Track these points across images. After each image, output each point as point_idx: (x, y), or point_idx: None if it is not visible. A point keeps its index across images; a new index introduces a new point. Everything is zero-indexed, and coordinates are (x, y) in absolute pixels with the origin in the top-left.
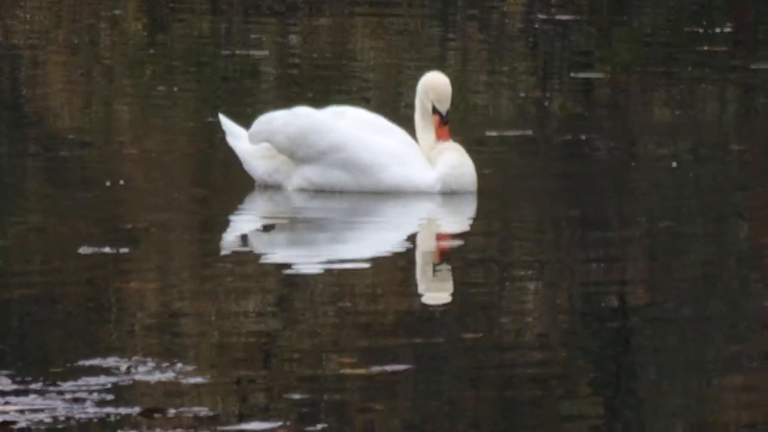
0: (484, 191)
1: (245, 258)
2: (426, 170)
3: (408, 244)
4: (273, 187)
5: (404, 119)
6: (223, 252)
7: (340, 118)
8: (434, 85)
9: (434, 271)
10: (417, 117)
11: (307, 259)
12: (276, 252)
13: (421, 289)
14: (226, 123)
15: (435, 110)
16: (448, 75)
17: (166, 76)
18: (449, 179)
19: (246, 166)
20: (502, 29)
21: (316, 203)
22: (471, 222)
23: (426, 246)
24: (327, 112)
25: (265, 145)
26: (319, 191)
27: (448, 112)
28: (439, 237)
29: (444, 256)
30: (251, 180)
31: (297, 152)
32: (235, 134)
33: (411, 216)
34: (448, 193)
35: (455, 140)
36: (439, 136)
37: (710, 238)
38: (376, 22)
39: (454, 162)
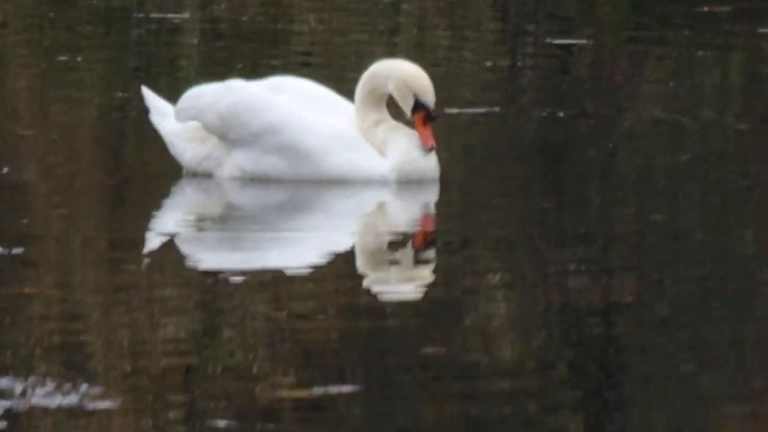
0: (445, 180)
1: (164, 261)
2: (376, 156)
3: (357, 245)
4: (203, 175)
5: (351, 93)
6: (138, 254)
7: (278, 92)
8: (415, 76)
9: (388, 276)
10: (359, 104)
11: (238, 262)
12: (202, 254)
13: (374, 289)
14: (151, 98)
15: (417, 106)
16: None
17: (69, 43)
18: (406, 167)
19: (172, 150)
20: None
21: (250, 195)
22: (430, 217)
23: (378, 247)
24: (264, 85)
25: (194, 124)
26: (255, 180)
27: (435, 108)
28: (393, 235)
29: (399, 258)
30: (177, 167)
31: (228, 134)
32: (161, 111)
33: (360, 211)
34: (405, 183)
35: (403, 120)
36: (426, 141)
37: (709, 235)
38: None
39: (409, 146)
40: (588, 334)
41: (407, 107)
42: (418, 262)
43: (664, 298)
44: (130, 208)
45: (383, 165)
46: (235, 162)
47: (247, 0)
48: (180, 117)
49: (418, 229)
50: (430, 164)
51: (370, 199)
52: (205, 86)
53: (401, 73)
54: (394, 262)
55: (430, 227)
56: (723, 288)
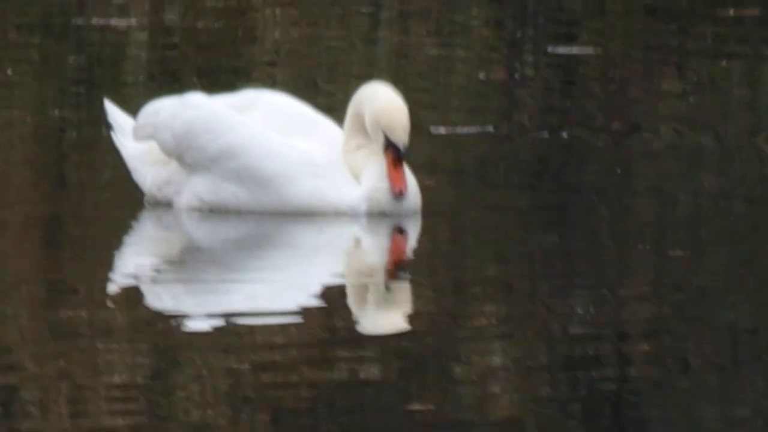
0: (428, 212)
1: (107, 307)
2: (349, 184)
3: (327, 288)
4: (165, 204)
5: (324, 108)
6: (78, 299)
7: (250, 108)
8: (385, 111)
9: (364, 322)
10: (346, 127)
11: (193, 308)
12: (151, 300)
13: (349, 338)
14: (114, 113)
15: (388, 144)
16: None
17: None
18: (378, 196)
19: (134, 174)
20: None
21: (207, 229)
22: (410, 256)
23: (352, 290)
24: (234, 100)
25: (154, 145)
26: (214, 211)
27: (406, 147)
28: (368, 277)
29: (375, 304)
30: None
31: (184, 156)
32: (125, 129)
33: (329, 247)
34: (377, 215)
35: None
36: (394, 181)
37: (735, 275)
38: None
39: (384, 174)
40: (597, 389)
41: (378, 144)
42: (401, 306)
43: (683, 350)
44: (68, 247)
45: (354, 194)
46: (193, 189)
47: (204, 4)
48: (137, 135)
49: (396, 268)
50: (412, 193)
51: (340, 233)
52: (163, 100)
53: (373, 107)
54: (372, 308)
55: (407, 266)
56: (750, 334)
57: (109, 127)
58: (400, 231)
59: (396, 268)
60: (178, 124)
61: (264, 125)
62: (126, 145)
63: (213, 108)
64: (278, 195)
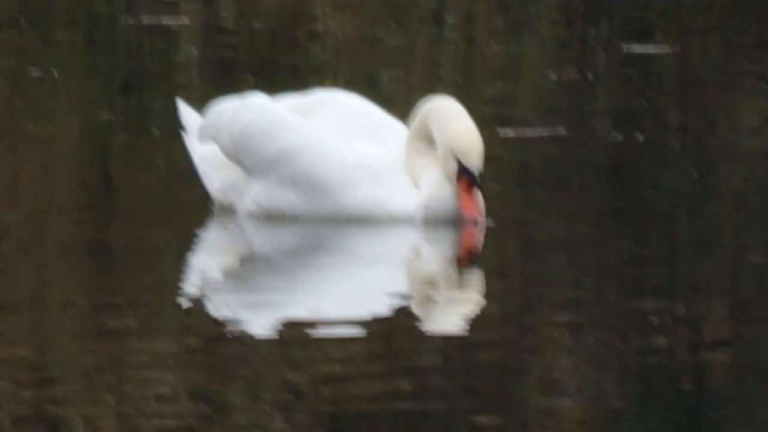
0: (495, 218)
1: (161, 322)
2: (407, 191)
3: (387, 297)
4: (230, 210)
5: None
6: (128, 315)
7: (316, 111)
8: (459, 137)
9: (428, 329)
10: (410, 134)
11: (249, 319)
12: (207, 311)
13: (412, 348)
14: (186, 113)
15: (461, 170)
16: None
17: (42, 54)
18: (435, 204)
19: (203, 179)
20: None
21: (266, 236)
22: (475, 264)
23: (412, 300)
24: (304, 100)
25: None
26: (271, 218)
27: (480, 173)
28: (430, 286)
29: (440, 312)
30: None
31: (243, 160)
32: (195, 131)
33: (388, 256)
34: (434, 223)
35: None
36: (468, 208)
37: None
38: None
39: (444, 180)
40: (672, 401)
41: (450, 171)
42: (465, 315)
43: (763, 360)
44: (119, 264)
45: (412, 201)
46: (252, 195)
47: (259, 2)
48: (202, 137)
49: (458, 280)
50: None
51: (399, 241)
52: (228, 101)
53: (446, 132)
54: (436, 318)
55: (478, 260)
56: None
57: (181, 128)
58: (474, 223)
59: (468, 260)
60: (236, 126)
61: (329, 127)
62: (196, 147)
63: (271, 109)
64: (333, 201)
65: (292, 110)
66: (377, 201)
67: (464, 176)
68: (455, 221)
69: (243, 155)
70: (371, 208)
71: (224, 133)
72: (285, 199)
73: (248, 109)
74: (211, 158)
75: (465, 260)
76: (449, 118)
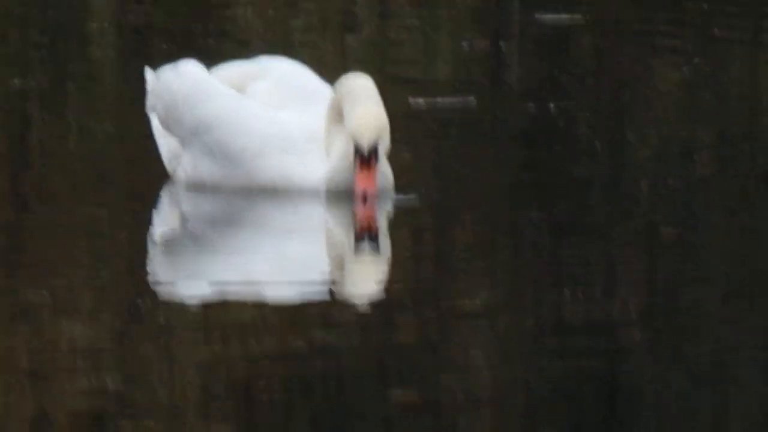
0: (405, 189)
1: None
2: (316, 162)
3: (293, 269)
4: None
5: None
6: (50, 280)
7: (261, 77)
8: (354, 117)
9: (337, 307)
10: (326, 112)
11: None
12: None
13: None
14: (151, 81)
15: (355, 145)
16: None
17: None
18: (337, 176)
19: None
20: None
21: (189, 206)
22: (374, 240)
23: (323, 268)
24: (248, 68)
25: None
26: (196, 187)
27: (370, 149)
28: (337, 258)
29: (348, 288)
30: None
31: (173, 129)
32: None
33: (296, 228)
34: (338, 195)
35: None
36: (359, 182)
37: (736, 254)
38: None
39: (348, 150)
40: (587, 375)
41: (350, 147)
42: (376, 284)
43: (677, 341)
44: (42, 221)
45: (318, 172)
46: (182, 164)
47: None
48: (148, 104)
49: (367, 254)
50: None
51: (310, 214)
52: (166, 68)
53: (348, 112)
54: (348, 287)
55: (374, 236)
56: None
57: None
58: (364, 198)
59: (365, 235)
60: (165, 95)
61: (264, 94)
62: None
63: (197, 78)
64: (246, 171)
65: (236, 77)
66: (285, 171)
67: (357, 153)
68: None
69: (171, 124)
70: (279, 178)
71: (157, 100)
72: (206, 168)
73: (176, 78)
74: (160, 127)
75: (361, 234)
76: (354, 99)
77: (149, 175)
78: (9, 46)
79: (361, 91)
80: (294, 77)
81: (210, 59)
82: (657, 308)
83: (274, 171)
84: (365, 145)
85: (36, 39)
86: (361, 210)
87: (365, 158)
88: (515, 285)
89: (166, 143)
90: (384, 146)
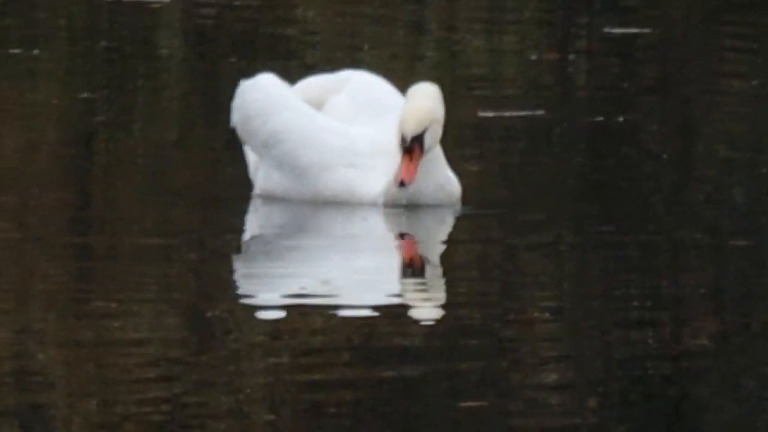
0: (473, 201)
1: (142, 302)
2: (377, 176)
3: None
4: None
5: None
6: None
7: (340, 89)
8: (404, 111)
9: (408, 315)
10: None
11: (221, 299)
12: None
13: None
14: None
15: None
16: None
17: (24, 33)
18: (394, 189)
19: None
20: None
21: (260, 218)
22: (444, 252)
23: (385, 289)
24: (327, 80)
25: None
26: (269, 199)
27: (416, 140)
28: (406, 274)
29: (416, 302)
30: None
31: (248, 142)
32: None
33: (357, 243)
34: (397, 208)
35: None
36: (400, 173)
37: None
38: None
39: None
40: (653, 397)
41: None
42: (442, 301)
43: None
44: (97, 241)
45: (378, 186)
46: (258, 176)
47: None
48: (232, 118)
49: (432, 269)
50: (433, 184)
51: (372, 227)
52: (248, 81)
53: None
54: (413, 303)
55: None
56: None
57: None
58: (400, 185)
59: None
60: (240, 108)
61: (344, 108)
62: None
63: (269, 91)
64: (311, 184)
65: (317, 90)
66: (348, 185)
67: (401, 143)
68: (434, 207)
69: (247, 137)
70: (342, 192)
71: (235, 113)
72: (276, 180)
73: (250, 90)
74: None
75: (410, 266)
76: (410, 98)
77: (219, 186)
78: (76, 58)
79: (420, 91)
80: (370, 90)
81: (284, 72)
82: (725, 315)
83: (338, 185)
84: (408, 134)
85: (103, 51)
86: (407, 246)
87: (407, 148)
88: (582, 293)
89: (250, 155)
90: (432, 140)
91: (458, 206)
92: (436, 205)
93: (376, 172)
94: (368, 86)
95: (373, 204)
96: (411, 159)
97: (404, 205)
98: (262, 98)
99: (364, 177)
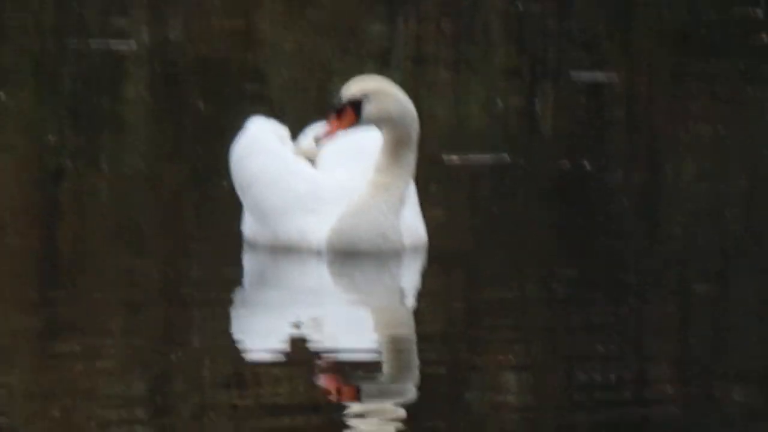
0: (435, 249)
1: (111, 345)
2: (325, 222)
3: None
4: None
5: None
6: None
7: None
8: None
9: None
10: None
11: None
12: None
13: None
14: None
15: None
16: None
17: None
18: (337, 234)
19: None
20: (473, 10)
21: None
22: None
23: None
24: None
25: None
26: (250, 245)
27: (350, 104)
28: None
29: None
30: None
31: (234, 185)
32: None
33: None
34: (339, 255)
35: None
36: (324, 129)
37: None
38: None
39: (361, 203)
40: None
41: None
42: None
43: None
44: (67, 281)
45: (322, 229)
46: (244, 220)
47: (209, 26)
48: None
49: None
50: (367, 230)
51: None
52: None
53: None
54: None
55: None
56: None
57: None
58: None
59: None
60: (232, 151)
61: (335, 154)
62: None
63: (253, 134)
64: (270, 229)
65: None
66: (298, 230)
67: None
68: (368, 254)
69: (234, 180)
70: (292, 238)
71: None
72: (248, 225)
73: (241, 134)
74: None
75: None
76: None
77: (188, 231)
78: (42, 102)
79: (381, 78)
80: (358, 136)
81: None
82: (689, 364)
83: (291, 231)
84: (345, 95)
85: (69, 95)
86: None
87: (338, 109)
88: (546, 341)
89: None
90: (372, 111)
91: (424, 251)
92: (376, 253)
93: (329, 217)
94: (356, 132)
95: (318, 251)
96: (339, 121)
97: (345, 252)
98: (246, 142)
99: (319, 223)
